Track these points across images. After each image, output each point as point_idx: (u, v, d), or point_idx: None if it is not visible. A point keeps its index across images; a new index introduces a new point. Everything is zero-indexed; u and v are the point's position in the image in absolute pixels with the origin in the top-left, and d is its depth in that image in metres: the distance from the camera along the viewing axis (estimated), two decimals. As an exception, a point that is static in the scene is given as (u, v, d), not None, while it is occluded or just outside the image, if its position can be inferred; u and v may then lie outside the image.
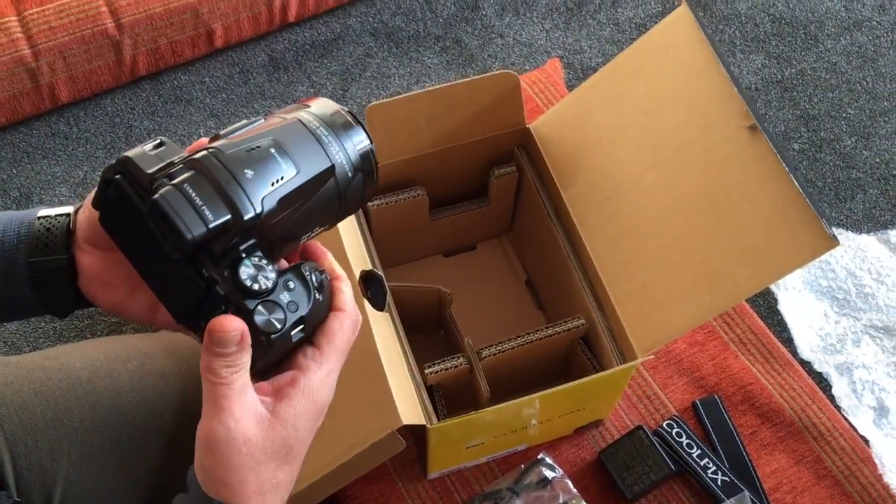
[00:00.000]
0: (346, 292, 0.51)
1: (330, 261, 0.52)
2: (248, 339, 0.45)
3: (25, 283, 0.56)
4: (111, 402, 0.69)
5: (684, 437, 0.90)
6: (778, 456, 0.92)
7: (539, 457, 0.88)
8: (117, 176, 0.47)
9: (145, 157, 0.47)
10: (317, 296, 0.48)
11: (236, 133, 0.48)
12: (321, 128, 0.49)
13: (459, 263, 1.04)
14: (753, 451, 0.92)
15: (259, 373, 0.48)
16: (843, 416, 0.97)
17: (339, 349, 0.49)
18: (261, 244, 0.46)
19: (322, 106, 0.51)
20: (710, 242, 0.74)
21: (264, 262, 0.46)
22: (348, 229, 0.82)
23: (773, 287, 1.18)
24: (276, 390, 0.48)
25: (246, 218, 0.44)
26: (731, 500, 0.86)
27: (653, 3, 1.55)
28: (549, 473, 0.86)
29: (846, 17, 1.54)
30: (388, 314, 0.79)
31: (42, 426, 0.66)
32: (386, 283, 0.80)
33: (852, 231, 1.28)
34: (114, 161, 0.47)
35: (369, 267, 0.80)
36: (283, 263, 0.51)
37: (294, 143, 0.47)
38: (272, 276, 0.46)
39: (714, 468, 0.88)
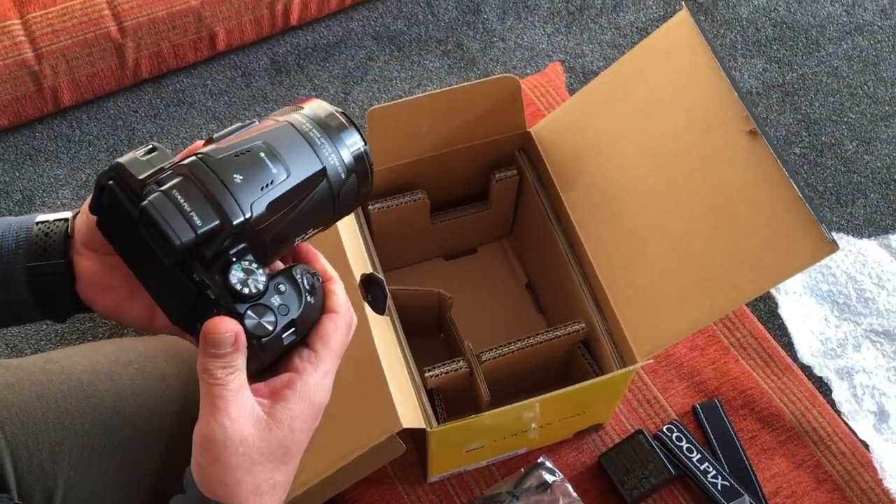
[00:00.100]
0: (340, 294, 0.51)
1: (322, 262, 0.52)
2: (243, 341, 0.45)
3: (24, 288, 0.56)
4: (112, 405, 0.69)
5: (684, 441, 0.90)
6: (778, 460, 0.92)
7: (539, 460, 0.88)
8: (110, 182, 0.47)
9: (137, 162, 0.47)
10: (308, 298, 0.48)
11: (229, 136, 0.48)
12: (313, 130, 0.49)
13: (460, 267, 1.04)
14: (753, 456, 0.92)
15: (253, 375, 0.48)
16: (843, 420, 0.97)
17: (333, 351, 0.49)
18: (252, 248, 0.46)
19: (315, 108, 0.51)
20: (711, 246, 0.74)
21: (255, 265, 0.46)
22: (349, 232, 0.82)
23: (773, 291, 1.18)
24: (272, 392, 0.48)
25: (235, 223, 0.45)
26: (731, 504, 0.86)
27: (654, 8, 1.56)
28: (549, 477, 0.86)
29: (847, 22, 1.54)
30: (388, 317, 0.79)
31: (43, 429, 0.66)
32: (386, 287, 0.80)
33: (853, 235, 1.28)
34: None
35: (370, 270, 0.80)
36: (279, 265, 0.51)
37: (284, 147, 0.47)
38: (263, 279, 0.46)
39: (714, 472, 0.88)
